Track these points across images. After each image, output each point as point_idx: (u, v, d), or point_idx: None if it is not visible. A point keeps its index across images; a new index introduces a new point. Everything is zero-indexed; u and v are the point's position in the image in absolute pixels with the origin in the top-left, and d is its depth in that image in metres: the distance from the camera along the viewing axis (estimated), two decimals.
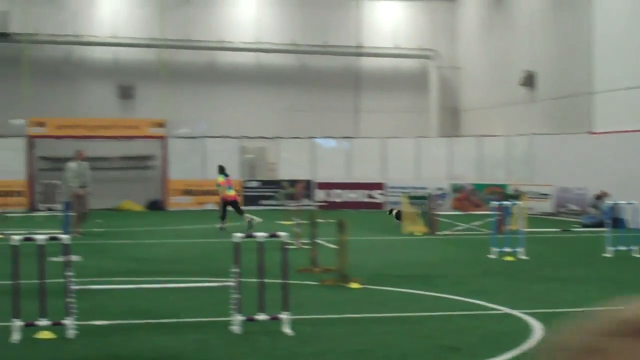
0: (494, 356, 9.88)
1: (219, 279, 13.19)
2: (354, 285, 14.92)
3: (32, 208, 38.64)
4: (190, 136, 42.57)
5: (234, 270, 10.95)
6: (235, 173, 40.96)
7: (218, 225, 28.04)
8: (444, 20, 46.70)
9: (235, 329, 10.86)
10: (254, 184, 41.38)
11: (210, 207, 40.05)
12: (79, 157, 27.25)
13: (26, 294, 10.85)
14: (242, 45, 44.74)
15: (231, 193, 28.73)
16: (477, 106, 44.50)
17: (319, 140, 42.58)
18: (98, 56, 44.10)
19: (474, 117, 45.00)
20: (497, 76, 42.43)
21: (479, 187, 38.36)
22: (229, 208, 28.68)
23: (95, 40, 43.55)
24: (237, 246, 10.95)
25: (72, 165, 26.83)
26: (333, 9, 45.96)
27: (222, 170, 29.36)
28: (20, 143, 40.38)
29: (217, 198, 40.28)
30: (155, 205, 41.34)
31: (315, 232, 17.43)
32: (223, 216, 28.39)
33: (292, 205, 27.54)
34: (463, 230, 26.65)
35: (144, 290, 13.55)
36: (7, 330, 10.56)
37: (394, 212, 29.64)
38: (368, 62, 46.21)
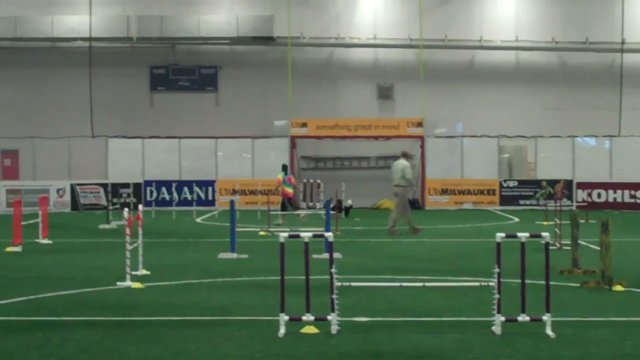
0: None
1: (478, 278, 13.14)
2: (618, 287, 14.47)
3: (294, 206, 39.75)
4: (448, 135, 42.60)
5: (495, 270, 10.87)
6: (492, 172, 40.70)
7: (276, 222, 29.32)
8: None
9: (496, 329, 10.79)
10: (512, 183, 40.86)
11: (467, 206, 39.99)
12: (406, 155, 27.52)
13: (292, 289, 11.19)
14: (500, 44, 44.32)
15: (289, 190, 29.97)
16: None
17: (579, 139, 41.55)
18: (358, 57, 44.91)
19: None
20: None
21: None
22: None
23: (355, 42, 44.37)
24: (498, 246, 10.85)
25: (405, 162, 26.83)
26: (595, 4, 44.73)
27: (284, 168, 31.17)
28: (283, 143, 41.74)
29: (475, 197, 40.24)
30: (413, 204, 41.59)
31: (577, 233, 17.02)
32: (283, 210, 30.17)
33: (552, 206, 26.97)
34: None
35: (405, 288, 13.68)
36: (274, 325, 10.94)
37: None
38: (632, 58, 44.60)
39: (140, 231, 17.07)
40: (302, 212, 29.92)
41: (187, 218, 34.07)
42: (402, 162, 26.63)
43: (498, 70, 44.91)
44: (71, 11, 44.14)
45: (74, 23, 43.48)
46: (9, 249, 21.56)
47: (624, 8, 44.06)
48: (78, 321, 11.79)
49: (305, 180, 37.67)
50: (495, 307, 10.85)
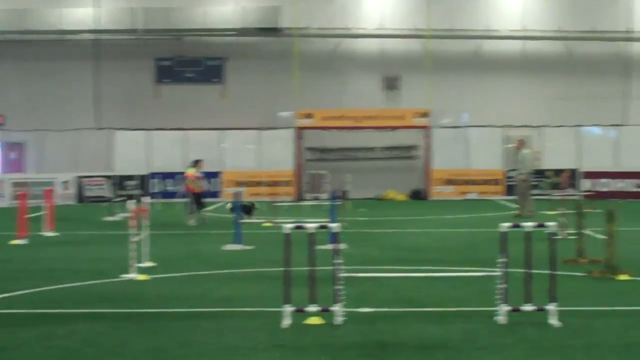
0: None
1: (484, 268, 13.15)
2: (623, 277, 14.47)
3: (299, 197, 39.81)
4: (454, 126, 42.54)
5: (500, 260, 10.87)
6: (498, 162, 40.65)
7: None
8: None
9: (501, 319, 10.79)
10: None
11: (472, 196, 39.96)
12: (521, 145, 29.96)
13: (296, 280, 11.19)
14: (507, 33, 44.20)
15: (192, 185, 27.53)
16: None
17: (585, 129, 41.45)
18: (365, 48, 44.86)
19: None
20: None
21: None
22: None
23: (362, 32, 44.30)
24: (504, 236, 10.85)
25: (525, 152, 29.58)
26: None
27: (194, 163, 28.58)
28: (288, 134, 41.73)
29: (480, 188, 40.19)
30: (418, 195, 41.61)
31: (582, 222, 17.00)
32: (192, 209, 27.28)
33: (557, 195, 26.98)
34: None
35: (410, 279, 13.68)
36: (279, 316, 10.94)
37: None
38: (638, 47, 44.45)
39: (145, 223, 17.08)
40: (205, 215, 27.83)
41: None
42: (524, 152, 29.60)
43: (504, 60, 44.82)
44: (78, 4, 44.12)
45: (81, 15, 43.45)
46: (14, 241, 21.61)
47: None
48: (83, 313, 11.82)
49: (311, 172, 37.68)
50: (500, 297, 10.86)
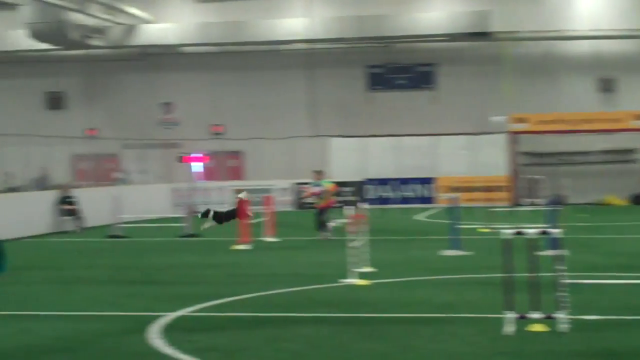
0: None
1: None
2: None
3: (515, 202, 39.26)
4: None
5: None
6: None
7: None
8: None
9: None
10: None
11: None
12: None
13: (517, 286, 11.04)
14: None
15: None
16: None
17: None
18: (577, 50, 43.77)
19: None
20: None
21: None
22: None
23: (575, 34, 43.22)
24: None
25: None
26: None
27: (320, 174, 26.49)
28: (501, 139, 41.22)
29: None
30: None
31: None
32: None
33: None
34: None
35: (637, 286, 13.26)
36: (499, 322, 10.81)
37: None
38: None
39: (363, 229, 17.25)
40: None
41: (406, 216, 34.20)
42: None
43: None
44: (291, 14, 45.00)
45: (294, 26, 44.24)
46: (237, 246, 22.28)
47: None
48: (307, 317, 12.06)
49: (527, 177, 37.10)
50: None
